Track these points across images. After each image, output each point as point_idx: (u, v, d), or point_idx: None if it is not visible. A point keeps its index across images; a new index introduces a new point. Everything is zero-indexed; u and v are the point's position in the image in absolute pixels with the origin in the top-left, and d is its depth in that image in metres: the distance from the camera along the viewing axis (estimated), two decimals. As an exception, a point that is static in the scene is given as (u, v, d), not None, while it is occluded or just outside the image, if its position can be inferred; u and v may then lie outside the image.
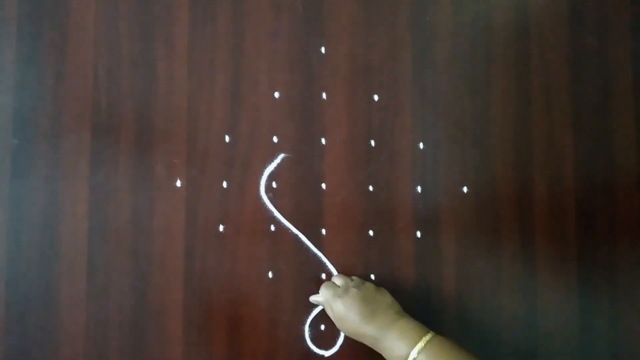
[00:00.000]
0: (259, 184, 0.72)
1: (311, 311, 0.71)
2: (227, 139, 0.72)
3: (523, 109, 0.75)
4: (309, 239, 0.72)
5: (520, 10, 0.76)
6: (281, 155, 0.72)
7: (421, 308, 0.71)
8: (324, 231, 0.72)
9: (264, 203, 0.71)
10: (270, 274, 0.71)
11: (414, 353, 0.56)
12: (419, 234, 0.72)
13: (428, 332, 0.58)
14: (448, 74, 0.74)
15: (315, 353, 0.70)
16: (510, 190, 0.74)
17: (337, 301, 0.63)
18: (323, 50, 0.74)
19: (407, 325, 0.60)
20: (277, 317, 0.70)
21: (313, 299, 0.70)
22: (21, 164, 0.70)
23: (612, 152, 0.75)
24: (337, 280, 0.68)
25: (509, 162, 0.74)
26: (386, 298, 0.64)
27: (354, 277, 0.68)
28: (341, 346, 0.70)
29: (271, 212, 0.71)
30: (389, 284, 0.72)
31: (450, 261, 0.72)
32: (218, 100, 0.72)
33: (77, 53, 0.71)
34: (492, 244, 0.73)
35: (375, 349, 0.61)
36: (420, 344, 0.56)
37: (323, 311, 0.71)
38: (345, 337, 0.71)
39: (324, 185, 0.72)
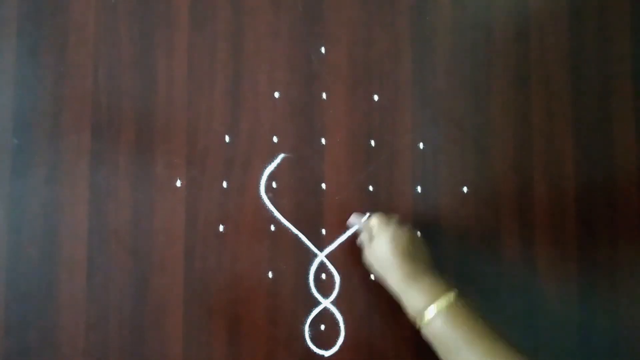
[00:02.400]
0: (259, 184, 0.72)
1: (311, 311, 0.71)
2: (227, 139, 0.72)
3: (523, 109, 0.75)
4: (309, 239, 0.72)
5: (520, 10, 0.76)
6: (281, 155, 0.72)
7: (421, 308, 0.71)
8: (324, 231, 0.72)
9: (264, 203, 0.71)
10: (270, 274, 0.71)
11: (433, 308, 0.56)
12: (418, 233, 0.72)
13: (452, 291, 0.58)
14: (448, 74, 0.74)
15: (315, 353, 0.70)
16: (510, 190, 0.74)
17: (389, 227, 0.63)
18: (323, 50, 0.74)
19: (435, 280, 0.59)
20: (277, 317, 0.70)
21: (356, 219, 0.69)
22: (21, 164, 0.70)
23: (612, 152, 0.75)
24: (394, 216, 0.67)
25: (509, 162, 0.74)
26: (428, 252, 0.64)
27: None
28: (341, 346, 0.70)
29: (271, 212, 0.71)
30: (389, 284, 0.72)
31: (450, 261, 0.72)
32: (218, 100, 0.72)
33: (77, 53, 0.71)
34: (492, 244, 0.73)
35: (396, 293, 0.61)
36: (444, 300, 0.56)
37: (323, 311, 0.71)
38: (346, 337, 0.70)
39: (324, 185, 0.72)
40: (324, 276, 0.71)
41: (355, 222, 0.69)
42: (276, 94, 0.73)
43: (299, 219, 0.72)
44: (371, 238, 0.65)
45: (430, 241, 0.72)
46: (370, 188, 0.73)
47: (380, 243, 0.62)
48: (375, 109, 0.74)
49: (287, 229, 0.71)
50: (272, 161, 0.72)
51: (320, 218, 0.72)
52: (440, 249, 0.72)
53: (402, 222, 0.67)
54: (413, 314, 0.59)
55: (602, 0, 0.76)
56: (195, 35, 0.72)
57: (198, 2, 0.73)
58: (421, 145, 0.74)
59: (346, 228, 0.72)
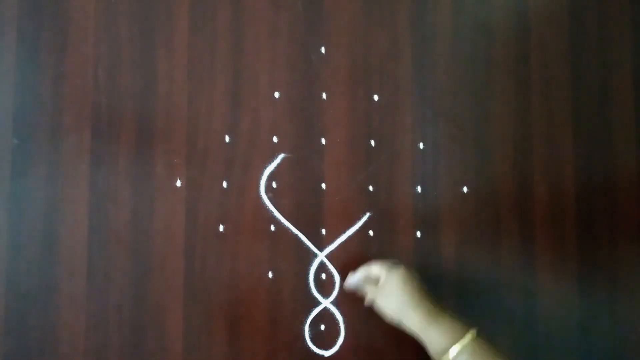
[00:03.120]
0: (259, 184, 0.72)
1: (311, 311, 0.71)
2: (227, 139, 0.72)
3: (523, 109, 0.75)
4: (309, 239, 0.72)
5: (520, 10, 0.76)
6: (281, 155, 0.72)
7: (421, 308, 0.71)
8: (324, 231, 0.72)
9: (264, 203, 0.71)
10: (270, 274, 0.71)
11: (454, 350, 0.56)
12: (419, 234, 0.72)
13: (472, 329, 0.58)
14: (448, 74, 0.74)
15: (315, 353, 0.70)
16: (510, 190, 0.74)
17: (400, 269, 0.62)
18: (323, 50, 0.74)
19: (454, 319, 0.59)
20: (277, 317, 0.70)
21: (351, 280, 0.68)
22: (21, 164, 0.70)
23: (612, 152, 0.75)
24: (392, 260, 0.67)
25: (509, 162, 0.74)
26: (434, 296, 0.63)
27: None
28: (341, 346, 0.70)
29: (271, 212, 0.71)
30: (389, 284, 0.72)
31: (450, 261, 0.72)
32: (218, 100, 0.72)
33: (77, 53, 0.71)
34: (492, 244, 0.73)
35: (416, 333, 0.60)
36: (468, 337, 0.57)
37: (323, 311, 0.71)
38: (345, 338, 0.70)
39: (324, 185, 0.72)
40: (324, 276, 0.71)
41: (353, 280, 0.68)
42: (276, 94, 0.73)
43: (299, 219, 0.72)
44: (381, 285, 0.63)
45: (432, 239, 0.72)
46: (370, 188, 0.73)
47: (393, 286, 0.62)
48: (375, 109, 0.74)
49: (287, 229, 0.71)
50: (272, 161, 0.72)
51: (320, 218, 0.72)
52: (440, 249, 0.72)
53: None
54: (435, 354, 0.58)
55: (602, 0, 0.76)
56: (195, 35, 0.72)
57: (198, 2, 0.73)
58: (421, 145, 0.74)
59: (346, 228, 0.72)
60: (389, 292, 0.62)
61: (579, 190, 0.74)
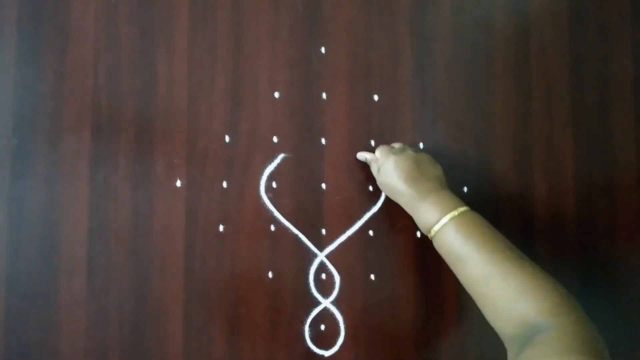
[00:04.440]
0: (259, 184, 0.72)
1: (311, 311, 0.71)
2: (227, 139, 0.72)
3: (523, 109, 0.75)
4: (309, 239, 0.72)
5: (520, 10, 0.76)
6: (281, 155, 0.72)
7: (421, 308, 0.71)
8: (324, 231, 0.72)
9: (264, 203, 0.71)
10: (270, 274, 0.71)
11: (443, 220, 0.58)
12: (418, 234, 0.72)
13: (463, 206, 0.59)
14: (448, 74, 0.75)
15: (315, 353, 0.70)
16: (510, 190, 0.74)
17: (390, 157, 0.65)
18: (323, 50, 0.74)
19: (445, 196, 0.61)
20: (277, 317, 0.70)
21: (361, 154, 0.72)
22: (21, 164, 0.70)
23: (612, 152, 0.75)
24: (396, 144, 0.70)
25: (509, 162, 0.74)
26: (436, 170, 0.65)
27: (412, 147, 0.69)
28: (341, 346, 0.70)
29: (271, 212, 0.71)
30: (389, 284, 0.72)
31: (450, 261, 0.72)
32: (218, 100, 0.72)
33: (77, 53, 0.71)
34: (492, 244, 0.73)
35: (409, 212, 0.64)
36: (452, 213, 0.58)
37: (323, 311, 0.71)
38: (346, 337, 0.71)
39: (324, 185, 0.72)
40: (324, 276, 0.71)
41: (362, 156, 0.72)
42: (276, 94, 0.73)
43: (299, 219, 0.72)
44: (379, 169, 0.67)
45: (430, 242, 0.72)
46: (370, 188, 0.73)
47: (385, 171, 0.65)
48: (375, 109, 0.74)
49: (287, 229, 0.71)
50: (272, 161, 0.72)
51: (320, 218, 0.72)
52: (440, 249, 0.72)
53: (405, 147, 0.67)
54: (424, 229, 0.61)
55: (602, 0, 0.76)
56: (195, 35, 0.72)
57: (198, 2, 0.73)
58: (421, 145, 0.74)
59: (346, 228, 0.72)
60: (382, 177, 0.66)
61: (579, 190, 0.74)
